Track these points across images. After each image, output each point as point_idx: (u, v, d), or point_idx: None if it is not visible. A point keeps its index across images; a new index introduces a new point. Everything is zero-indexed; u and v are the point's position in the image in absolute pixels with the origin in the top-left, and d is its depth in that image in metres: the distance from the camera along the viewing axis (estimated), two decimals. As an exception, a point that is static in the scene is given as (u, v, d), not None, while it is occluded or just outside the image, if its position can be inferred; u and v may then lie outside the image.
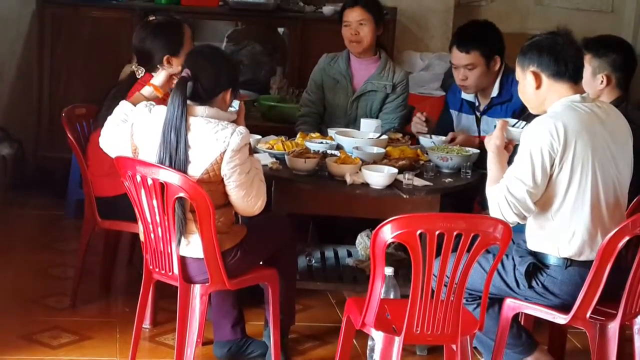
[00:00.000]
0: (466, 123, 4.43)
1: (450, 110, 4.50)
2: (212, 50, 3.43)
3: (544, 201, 3.15)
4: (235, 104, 3.61)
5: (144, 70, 3.93)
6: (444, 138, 4.22)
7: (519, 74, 3.26)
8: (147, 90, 3.53)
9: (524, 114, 3.57)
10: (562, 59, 3.17)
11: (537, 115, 3.24)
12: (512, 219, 3.09)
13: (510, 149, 3.30)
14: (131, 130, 3.32)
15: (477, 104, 4.39)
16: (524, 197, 3.08)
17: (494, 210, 3.13)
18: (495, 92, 4.30)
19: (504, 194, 3.10)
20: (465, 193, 3.99)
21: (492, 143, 3.26)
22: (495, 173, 3.22)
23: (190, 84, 3.25)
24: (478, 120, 4.37)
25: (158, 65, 3.85)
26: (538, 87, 3.20)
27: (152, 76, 3.89)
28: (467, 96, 4.40)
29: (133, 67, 3.98)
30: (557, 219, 3.15)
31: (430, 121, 4.36)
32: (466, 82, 4.27)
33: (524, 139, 3.14)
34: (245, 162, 3.25)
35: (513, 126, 3.43)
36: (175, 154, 3.20)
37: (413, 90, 5.47)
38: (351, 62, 4.65)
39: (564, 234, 3.15)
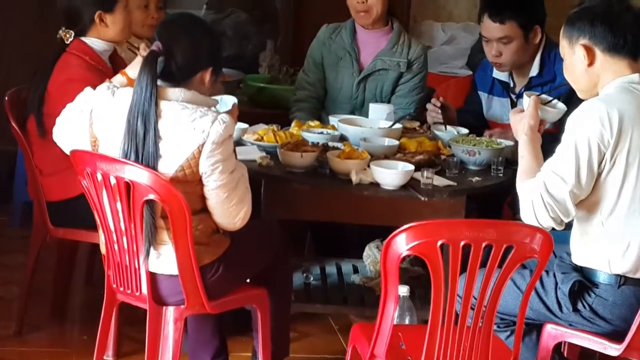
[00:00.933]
0: (498, 108, 4.43)
1: (479, 92, 4.51)
2: (190, 19, 3.42)
3: (591, 204, 3.15)
4: (228, 99, 3.60)
5: (73, 34, 3.95)
6: (462, 130, 4.23)
7: (565, 48, 3.26)
8: (118, 80, 3.54)
9: (569, 97, 3.58)
10: (620, 28, 3.17)
11: (575, 92, 3.26)
12: (546, 223, 3.11)
13: (541, 130, 3.31)
14: (90, 118, 3.32)
15: (511, 84, 4.40)
16: (564, 199, 3.09)
17: (526, 211, 3.14)
18: (535, 70, 4.30)
19: (540, 192, 3.10)
20: (495, 195, 4.00)
21: (524, 123, 3.26)
22: (529, 162, 3.22)
23: (161, 59, 3.25)
24: (513, 104, 4.38)
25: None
26: (590, 63, 3.20)
27: (82, 42, 3.92)
28: (499, 75, 4.41)
29: (60, 32, 3.99)
30: (608, 226, 3.16)
31: (448, 109, 4.37)
32: (500, 58, 4.28)
33: (569, 126, 3.15)
34: (228, 158, 3.25)
35: (546, 104, 3.43)
36: (142, 146, 3.20)
37: (433, 69, 5.50)
38: (357, 34, 4.65)
39: (616, 245, 3.16)
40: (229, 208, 3.29)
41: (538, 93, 3.49)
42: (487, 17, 4.26)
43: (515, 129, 3.31)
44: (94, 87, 3.35)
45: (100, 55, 3.98)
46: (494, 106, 4.45)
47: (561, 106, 3.52)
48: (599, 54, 3.19)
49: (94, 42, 3.96)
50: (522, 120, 3.27)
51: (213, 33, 3.45)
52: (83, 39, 3.96)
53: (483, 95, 4.49)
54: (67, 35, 3.95)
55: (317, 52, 4.69)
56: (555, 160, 3.14)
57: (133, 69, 3.54)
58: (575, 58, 3.23)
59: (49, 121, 3.88)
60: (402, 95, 4.61)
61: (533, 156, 3.23)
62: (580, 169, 3.09)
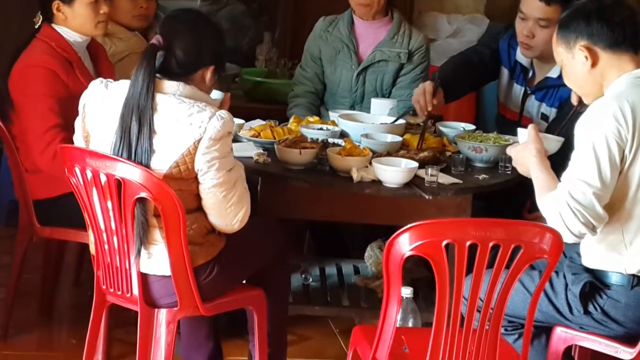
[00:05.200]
0: (514, 96, 4.40)
1: (502, 67, 4.47)
2: (195, 15, 3.42)
3: (609, 204, 3.15)
4: (218, 94, 3.59)
5: (41, 19, 3.97)
6: (469, 126, 4.22)
7: (562, 54, 3.27)
8: None
9: (570, 108, 3.61)
10: (617, 22, 3.20)
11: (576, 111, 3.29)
12: (578, 229, 3.08)
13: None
14: (83, 112, 3.32)
15: (530, 74, 4.37)
16: (591, 202, 3.07)
17: (555, 222, 3.10)
18: (556, 71, 4.21)
19: (565, 200, 3.08)
20: (505, 194, 4.00)
21: (530, 148, 3.27)
22: (544, 180, 3.21)
23: (161, 54, 3.25)
24: (526, 96, 4.36)
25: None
26: (594, 64, 3.21)
27: (52, 29, 3.93)
28: (523, 59, 4.37)
29: (36, 17, 4.00)
30: (627, 225, 3.17)
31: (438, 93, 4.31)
32: (532, 40, 4.25)
33: (581, 129, 3.14)
34: (226, 155, 3.25)
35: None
36: (136, 142, 3.19)
37: (438, 63, 5.47)
38: (355, 25, 4.66)
39: (633, 245, 3.16)
40: (227, 208, 3.29)
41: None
42: None
43: (522, 158, 3.32)
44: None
45: (72, 45, 3.97)
46: (511, 91, 4.40)
47: (559, 137, 3.67)
48: (600, 52, 3.21)
49: (67, 31, 3.96)
50: (527, 147, 3.29)
51: (218, 31, 3.43)
52: (54, 26, 3.96)
53: (505, 73, 4.46)
54: (36, 20, 3.97)
55: (314, 45, 4.71)
56: (573, 166, 3.13)
57: None
58: (575, 62, 3.25)
59: (11, 107, 3.89)
60: (403, 87, 4.62)
61: (547, 174, 3.22)
62: (602, 169, 3.09)
